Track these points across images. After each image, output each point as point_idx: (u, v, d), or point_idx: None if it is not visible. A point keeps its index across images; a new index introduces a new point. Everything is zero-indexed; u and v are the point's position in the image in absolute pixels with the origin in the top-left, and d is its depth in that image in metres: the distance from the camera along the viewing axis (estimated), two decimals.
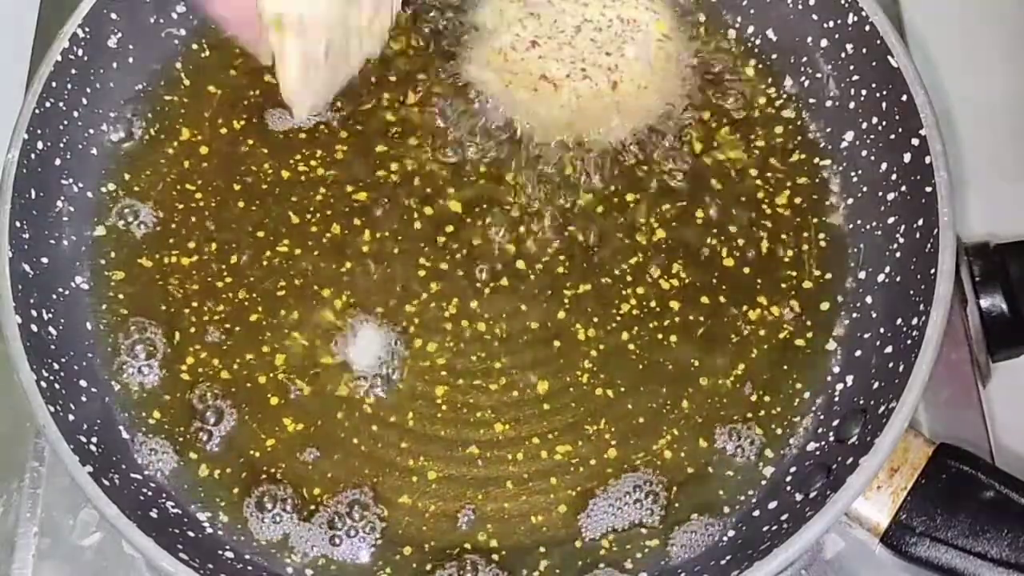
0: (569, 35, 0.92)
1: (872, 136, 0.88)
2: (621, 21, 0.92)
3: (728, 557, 0.77)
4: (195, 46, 0.95)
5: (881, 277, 0.85)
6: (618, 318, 0.86)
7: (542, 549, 0.80)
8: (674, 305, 0.86)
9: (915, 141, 0.83)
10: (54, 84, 0.86)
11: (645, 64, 0.91)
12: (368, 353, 0.84)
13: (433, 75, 0.93)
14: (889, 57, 0.85)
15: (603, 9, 0.92)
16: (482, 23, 0.93)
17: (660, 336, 0.85)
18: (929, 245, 0.80)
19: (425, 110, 0.92)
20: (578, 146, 0.90)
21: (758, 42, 0.94)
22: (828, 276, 0.87)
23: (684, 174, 0.90)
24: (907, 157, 0.84)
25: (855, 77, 0.89)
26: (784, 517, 0.77)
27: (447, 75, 0.93)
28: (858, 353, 0.84)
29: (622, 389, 0.83)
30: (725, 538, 0.80)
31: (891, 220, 0.85)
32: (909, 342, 0.78)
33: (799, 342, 0.85)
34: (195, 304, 0.86)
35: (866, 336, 0.84)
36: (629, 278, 0.87)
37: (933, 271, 0.79)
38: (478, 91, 0.92)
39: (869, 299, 0.85)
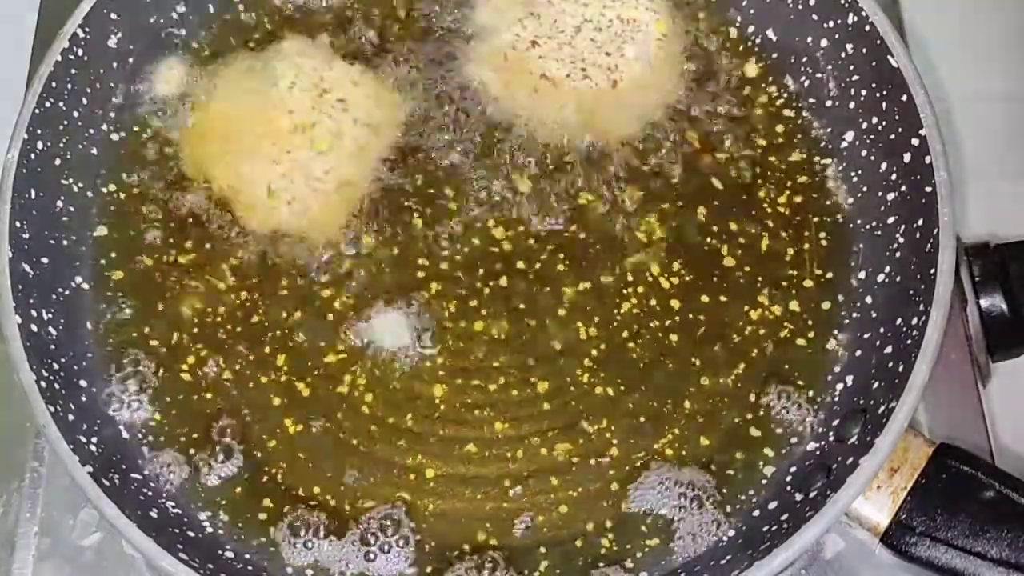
0: (569, 35, 0.92)
1: (872, 136, 0.88)
2: (621, 21, 0.92)
3: (728, 557, 0.77)
4: (195, 45, 0.95)
5: (881, 277, 0.85)
6: (618, 317, 0.86)
7: (542, 549, 0.80)
8: (674, 304, 0.86)
9: (915, 141, 0.83)
10: (54, 84, 0.86)
11: (645, 64, 0.91)
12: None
13: (435, 74, 0.93)
14: (889, 57, 0.85)
15: (603, 9, 0.92)
16: (482, 22, 0.93)
17: (660, 335, 0.85)
18: (929, 245, 0.80)
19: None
20: (578, 145, 0.90)
21: (758, 41, 0.94)
22: (829, 275, 0.87)
23: (685, 173, 0.90)
24: (907, 157, 0.84)
25: (855, 77, 0.89)
26: (784, 517, 0.77)
27: (447, 74, 0.93)
28: (858, 353, 0.84)
29: (622, 388, 0.83)
30: (725, 538, 0.80)
31: (891, 220, 0.85)
32: (909, 342, 0.78)
33: (799, 342, 0.85)
34: (195, 304, 0.86)
35: (866, 336, 0.84)
36: (629, 277, 0.87)
37: (933, 271, 0.79)
38: (478, 91, 0.92)
39: (869, 299, 0.85)
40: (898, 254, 0.84)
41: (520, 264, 0.87)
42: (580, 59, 0.91)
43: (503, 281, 0.86)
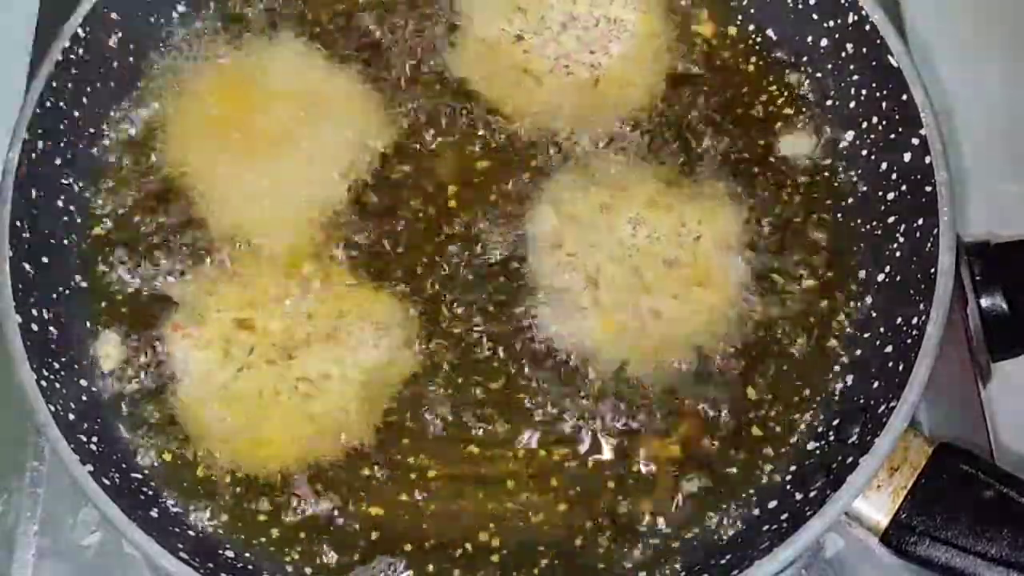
0: (555, 31, 0.92)
1: (872, 136, 0.88)
2: (608, 19, 0.92)
3: (728, 556, 0.77)
4: (194, 46, 0.94)
5: (881, 277, 0.85)
6: None
7: (542, 548, 0.80)
8: None
9: (915, 141, 0.83)
10: (54, 84, 0.86)
11: (630, 61, 0.91)
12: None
13: (421, 65, 0.93)
14: (889, 57, 0.85)
15: (591, 7, 0.93)
16: (470, 15, 0.94)
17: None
18: (929, 245, 0.80)
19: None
20: (566, 140, 0.90)
21: (759, 40, 0.94)
22: (829, 275, 0.87)
23: (681, 170, 0.89)
24: (907, 157, 0.84)
25: (855, 77, 0.89)
26: (784, 516, 0.78)
27: (435, 73, 0.93)
28: (858, 352, 0.84)
29: (623, 388, 0.83)
30: (725, 537, 0.80)
31: (891, 220, 0.86)
32: (909, 341, 0.78)
33: (799, 341, 0.85)
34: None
35: (866, 335, 0.84)
36: None
37: (933, 271, 0.79)
38: (464, 84, 0.92)
39: (869, 299, 0.85)
40: (898, 253, 0.84)
41: (517, 265, 0.87)
42: (564, 55, 0.91)
43: (503, 279, 0.86)
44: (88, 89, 0.89)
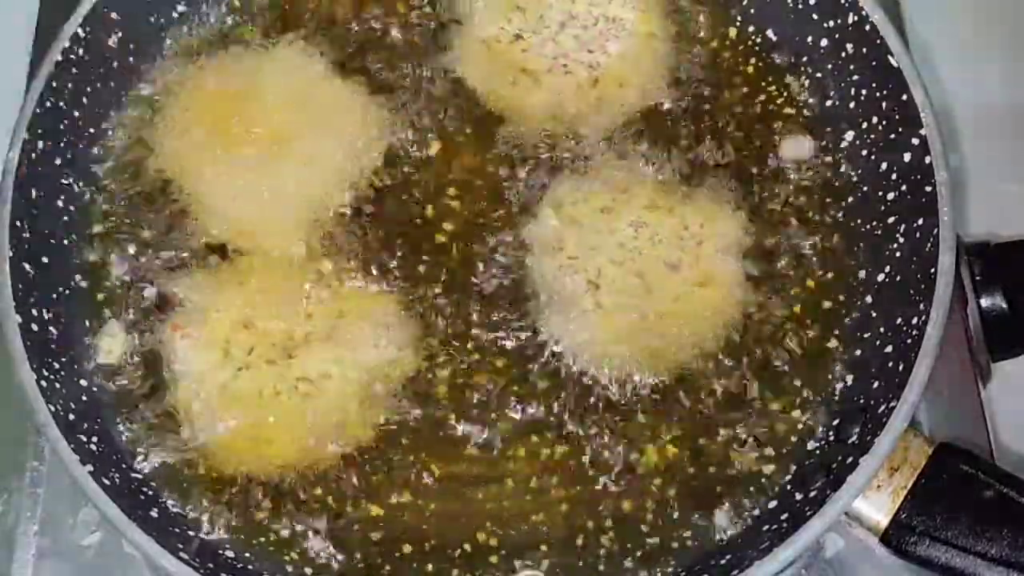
0: (554, 31, 0.92)
1: (872, 136, 0.88)
2: (607, 19, 0.92)
3: (728, 557, 0.77)
4: (194, 46, 0.94)
5: (881, 277, 0.85)
6: None
7: (543, 548, 0.80)
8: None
9: (915, 141, 0.83)
10: (54, 84, 0.86)
11: (628, 61, 0.91)
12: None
13: (418, 65, 0.93)
14: (889, 57, 0.85)
15: (589, 6, 0.92)
16: (469, 14, 0.94)
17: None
18: (929, 245, 0.80)
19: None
20: (565, 141, 0.90)
21: (758, 41, 0.94)
22: (829, 275, 0.87)
23: (682, 171, 0.89)
24: (907, 157, 0.84)
25: (855, 77, 0.89)
26: (784, 516, 0.78)
27: (432, 67, 0.93)
28: (858, 352, 0.84)
29: (623, 389, 0.83)
30: (725, 537, 0.80)
31: (891, 220, 0.86)
32: (909, 341, 0.78)
33: (800, 341, 0.85)
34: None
35: (866, 335, 0.84)
36: None
37: (933, 271, 0.79)
38: (463, 84, 0.92)
39: (869, 298, 0.85)
40: (898, 254, 0.84)
41: (518, 268, 0.87)
42: (562, 55, 0.91)
43: (503, 282, 0.86)
44: (88, 89, 0.89)
